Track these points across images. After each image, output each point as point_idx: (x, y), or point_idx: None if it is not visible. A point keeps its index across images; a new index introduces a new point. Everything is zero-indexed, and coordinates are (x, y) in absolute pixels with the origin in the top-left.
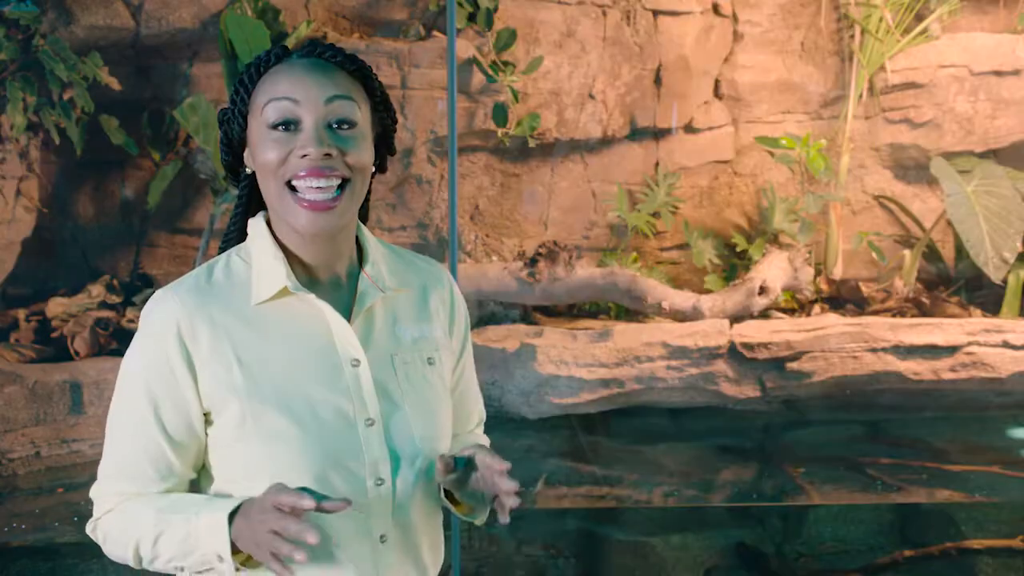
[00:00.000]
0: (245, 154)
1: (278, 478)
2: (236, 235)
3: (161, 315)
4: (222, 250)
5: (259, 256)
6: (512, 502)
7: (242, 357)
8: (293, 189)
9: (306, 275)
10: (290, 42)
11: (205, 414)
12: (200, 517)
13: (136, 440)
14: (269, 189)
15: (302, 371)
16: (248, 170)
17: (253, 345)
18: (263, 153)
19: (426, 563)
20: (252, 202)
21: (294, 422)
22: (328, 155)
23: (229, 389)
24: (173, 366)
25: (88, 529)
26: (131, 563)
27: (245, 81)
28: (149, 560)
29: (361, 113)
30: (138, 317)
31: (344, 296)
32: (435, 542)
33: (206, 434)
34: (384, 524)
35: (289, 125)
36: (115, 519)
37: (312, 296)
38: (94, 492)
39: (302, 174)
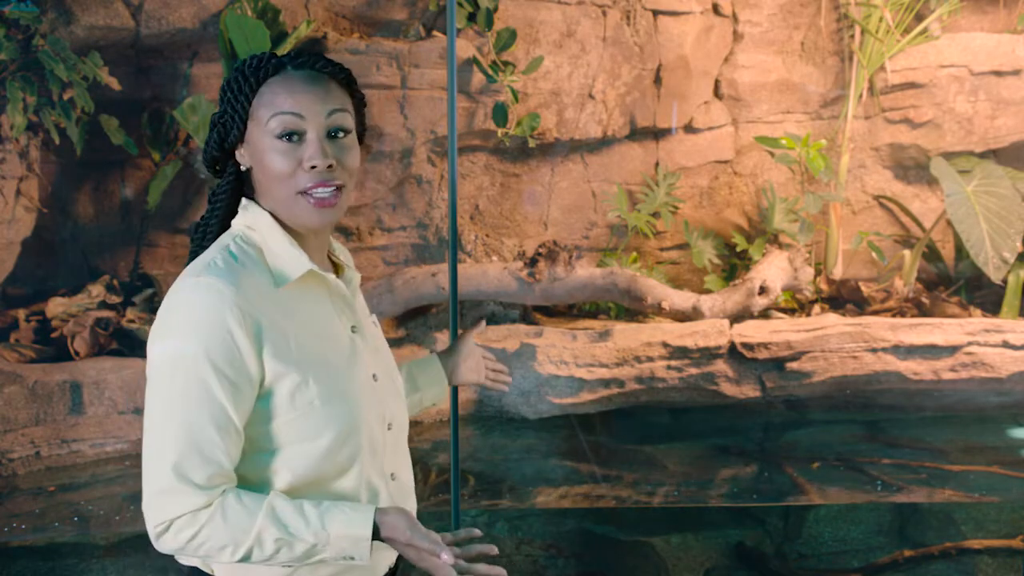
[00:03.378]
0: (238, 151)
1: (338, 439)
2: (218, 224)
3: (215, 295)
4: (202, 235)
5: (274, 244)
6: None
7: (289, 331)
8: (300, 193)
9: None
10: (290, 42)
11: (261, 385)
12: (331, 528)
13: (210, 423)
14: (277, 193)
15: (329, 340)
16: (243, 166)
17: (292, 320)
18: (272, 162)
19: (414, 496)
20: (237, 192)
21: (340, 385)
22: (331, 166)
23: (287, 360)
24: (238, 341)
25: (166, 524)
26: (227, 559)
27: (245, 90)
28: (262, 558)
29: (351, 119)
30: (138, 317)
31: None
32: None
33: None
34: (393, 463)
35: (293, 136)
36: (226, 512)
37: (332, 276)
38: (168, 490)
39: (310, 186)
